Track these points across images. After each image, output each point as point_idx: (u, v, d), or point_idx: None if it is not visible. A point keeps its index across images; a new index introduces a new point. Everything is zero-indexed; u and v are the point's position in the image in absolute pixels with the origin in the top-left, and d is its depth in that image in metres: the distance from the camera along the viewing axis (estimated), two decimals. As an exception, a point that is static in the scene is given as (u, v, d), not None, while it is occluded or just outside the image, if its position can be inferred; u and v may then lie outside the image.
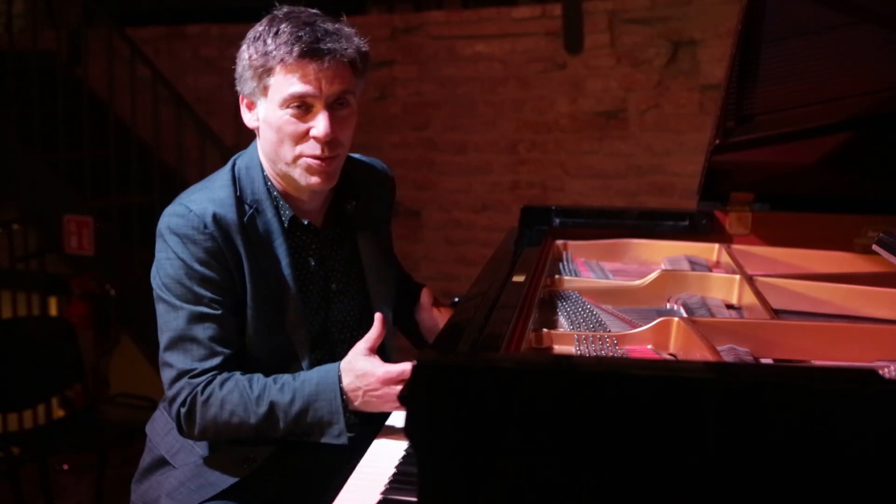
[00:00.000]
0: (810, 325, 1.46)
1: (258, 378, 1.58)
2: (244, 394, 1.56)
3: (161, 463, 1.70)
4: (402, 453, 1.54)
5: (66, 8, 5.61)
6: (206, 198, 1.61)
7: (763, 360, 1.39)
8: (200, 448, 1.66)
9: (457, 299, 1.87)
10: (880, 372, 1.12)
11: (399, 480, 1.44)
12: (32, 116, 4.72)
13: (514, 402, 1.00)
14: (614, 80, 4.39)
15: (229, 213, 1.60)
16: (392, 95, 4.89)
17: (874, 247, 1.88)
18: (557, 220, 2.21)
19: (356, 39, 1.60)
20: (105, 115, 4.69)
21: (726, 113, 1.89)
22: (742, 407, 0.97)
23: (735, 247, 2.02)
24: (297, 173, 1.60)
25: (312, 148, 1.57)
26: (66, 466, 4.02)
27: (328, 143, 1.57)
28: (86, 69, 4.85)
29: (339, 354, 1.70)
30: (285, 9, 1.60)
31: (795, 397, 0.97)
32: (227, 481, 1.62)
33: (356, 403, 1.55)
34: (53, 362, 3.50)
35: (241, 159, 1.69)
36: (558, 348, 1.44)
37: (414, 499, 1.04)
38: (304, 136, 1.57)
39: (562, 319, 1.57)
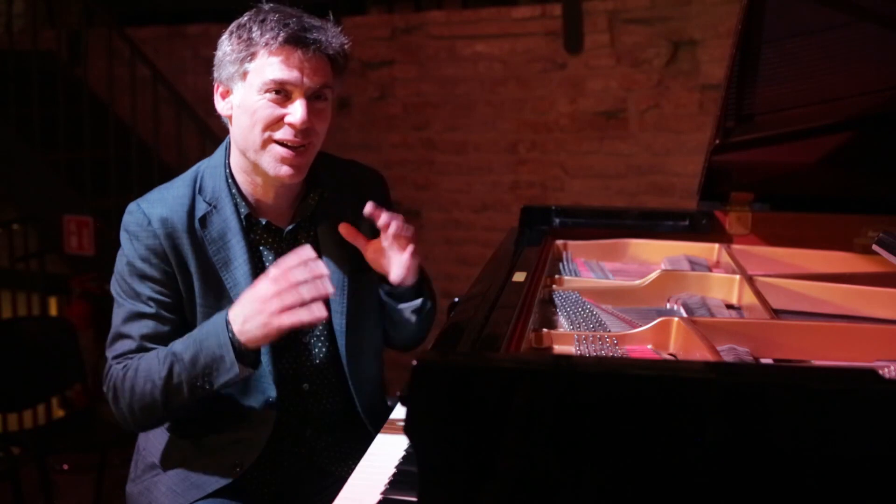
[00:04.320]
0: (810, 325, 1.46)
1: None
2: (156, 357, 1.55)
3: (150, 468, 1.71)
4: (402, 453, 1.54)
5: (66, 8, 5.61)
6: (159, 197, 1.63)
7: (763, 360, 1.39)
8: (187, 452, 1.66)
9: (457, 299, 1.86)
10: (880, 372, 1.12)
11: (399, 480, 1.44)
12: (32, 116, 4.72)
13: (514, 402, 1.00)
14: (614, 80, 4.39)
15: (179, 212, 1.60)
16: (392, 95, 4.89)
17: (874, 247, 1.88)
18: (557, 220, 2.21)
19: (341, 37, 1.61)
20: (105, 115, 4.69)
21: (726, 113, 1.90)
22: (742, 407, 0.97)
23: (735, 247, 2.02)
24: (267, 161, 1.58)
25: (285, 133, 1.55)
26: (66, 466, 4.01)
27: (302, 130, 1.55)
28: (86, 69, 4.85)
29: (305, 359, 1.69)
30: (271, 4, 1.61)
31: (795, 397, 0.97)
32: (216, 484, 1.62)
33: (245, 327, 1.48)
34: (53, 362, 3.49)
35: (208, 160, 1.70)
36: (558, 348, 1.44)
37: (414, 499, 1.04)
38: (278, 122, 1.56)
39: (562, 319, 1.57)
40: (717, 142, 1.92)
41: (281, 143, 1.56)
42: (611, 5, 4.34)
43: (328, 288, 1.45)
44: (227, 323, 1.50)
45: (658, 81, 4.29)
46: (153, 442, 1.72)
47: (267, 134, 1.56)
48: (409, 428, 1.04)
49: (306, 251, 1.47)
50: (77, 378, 3.66)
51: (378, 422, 1.73)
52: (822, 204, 2.09)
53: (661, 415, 0.98)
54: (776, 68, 1.83)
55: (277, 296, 1.45)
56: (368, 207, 1.57)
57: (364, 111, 4.94)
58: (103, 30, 4.81)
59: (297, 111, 1.54)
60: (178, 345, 1.55)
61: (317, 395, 1.72)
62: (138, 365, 1.57)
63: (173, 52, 5.28)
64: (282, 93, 1.55)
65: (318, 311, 1.45)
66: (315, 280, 1.45)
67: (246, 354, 1.51)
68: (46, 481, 3.37)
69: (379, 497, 1.40)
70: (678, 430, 0.97)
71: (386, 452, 1.56)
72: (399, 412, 1.77)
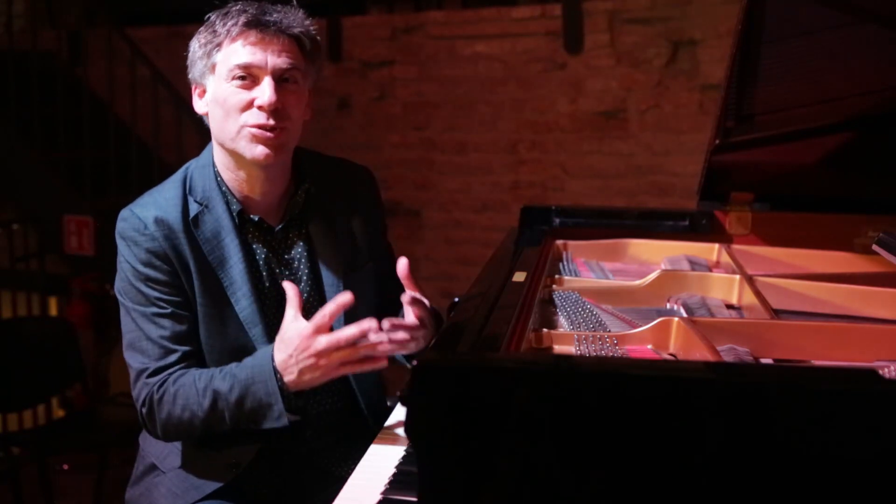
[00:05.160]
0: (810, 325, 1.46)
1: (207, 370, 1.58)
2: (194, 386, 1.55)
3: (151, 469, 1.71)
4: (402, 453, 1.54)
5: (66, 8, 5.62)
6: (151, 201, 1.63)
7: (763, 360, 1.39)
8: (186, 453, 1.66)
9: (457, 299, 1.86)
10: (880, 372, 1.12)
11: (399, 480, 1.44)
12: (32, 116, 4.72)
13: (514, 402, 1.00)
14: (614, 80, 4.39)
15: (173, 213, 1.60)
16: (392, 95, 4.89)
17: (874, 247, 1.88)
18: (557, 220, 2.20)
19: (305, 22, 1.62)
20: (105, 115, 4.69)
21: (726, 113, 1.89)
22: (742, 407, 0.97)
23: (735, 247, 2.02)
24: (243, 146, 1.57)
25: (256, 117, 1.55)
26: (66, 466, 4.01)
27: (273, 112, 1.55)
28: (86, 69, 4.85)
29: None
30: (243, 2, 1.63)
31: (795, 397, 0.97)
32: (215, 484, 1.62)
33: (294, 378, 1.50)
34: (53, 362, 3.49)
35: (196, 161, 1.70)
36: (558, 348, 1.44)
37: (414, 499, 1.04)
38: (248, 106, 1.56)
39: (562, 319, 1.57)
40: (717, 142, 1.91)
41: (253, 126, 1.56)
42: (611, 5, 4.35)
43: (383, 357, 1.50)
44: (275, 371, 1.51)
45: (658, 81, 4.29)
46: (152, 443, 1.71)
47: (240, 120, 1.57)
48: (409, 428, 1.04)
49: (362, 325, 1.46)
50: (77, 378, 3.66)
51: (379, 419, 1.74)
52: (822, 204, 2.09)
53: (661, 415, 0.97)
54: (776, 68, 1.83)
55: (331, 353, 1.47)
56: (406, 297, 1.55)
57: (364, 111, 4.94)
58: (103, 30, 4.81)
59: (264, 92, 1.55)
60: (220, 382, 1.55)
61: (316, 395, 1.72)
62: (175, 391, 1.56)
63: (173, 52, 5.25)
64: (248, 77, 1.56)
65: (380, 361, 1.50)
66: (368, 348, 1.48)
67: (293, 400, 1.53)
68: (46, 481, 3.37)
69: (379, 497, 1.40)
70: (678, 430, 0.97)
71: (386, 452, 1.56)
72: (399, 412, 1.76)
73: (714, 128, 1.90)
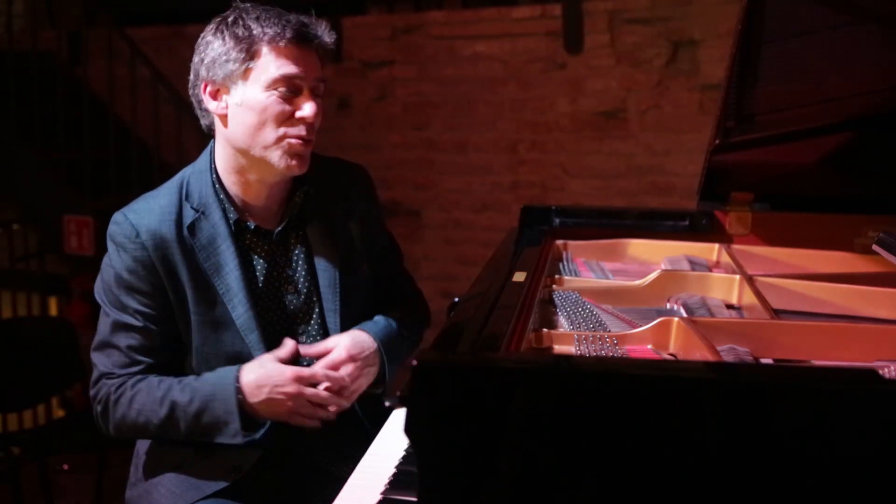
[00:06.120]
0: (810, 325, 1.46)
1: (166, 379, 1.61)
2: (151, 393, 1.59)
3: (149, 471, 1.70)
4: (402, 453, 1.54)
5: (66, 8, 5.61)
6: (146, 207, 1.63)
7: (763, 360, 1.39)
8: (186, 454, 1.66)
9: (457, 299, 1.86)
10: (880, 372, 1.12)
11: (399, 480, 1.44)
12: (32, 116, 4.72)
13: (514, 402, 1.00)
14: (614, 80, 4.39)
15: (166, 221, 1.60)
16: (392, 95, 4.89)
17: (874, 247, 1.88)
18: (557, 220, 2.20)
19: (331, 33, 1.65)
20: (105, 115, 4.69)
21: (726, 113, 1.89)
22: (742, 407, 0.97)
23: (735, 247, 2.02)
24: (277, 156, 1.58)
25: (298, 129, 1.58)
26: (66, 466, 4.01)
27: (310, 124, 1.59)
28: (86, 69, 4.85)
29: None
30: (252, 3, 1.63)
31: (795, 397, 0.97)
32: (215, 486, 1.63)
33: (258, 400, 1.56)
34: (53, 362, 3.49)
35: (192, 166, 1.70)
36: (558, 348, 1.44)
37: (414, 499, 1.04)
38: (289, 118, 1.58)
39: (562, 319, 1.57)
40: (717, 142, 1.91)
41: (294, 138, 1.58)
42: (611, 5, 4.34)
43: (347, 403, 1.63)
44: (238, 390, 1.56)
45: (658, 81, 4.29)
46: (152, 445, 1.72)
47: (281, 130, 1.58)
48: (409, 428, 1.04)
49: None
50: (77, 378, 3.66)
51: (377, 420, 1.73)
52: (822, 204, 2.09)
53: (661, 415, 0.98)
54: (776, 68, 1.83)
55: (302, 400, 1.58)
56: None
57: (364, 111, 4.94)
58: (103, 30, 4.81)
59: (309, 107, 1.57)
60: (179, 393, 1.58)
61: (315, 395, 1.72)
62: (132, 396, 1.59)
63: (173, 52, 5.28)
64: (291, 89, 1.57)
65: (332, 413, 1.62)
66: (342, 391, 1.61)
67: (248, 422, 1.58)
68: (46, 481, 3.37)
69: (379, 497, 1.40)
70: (678, 430, 0.97)
71: (386, 452, 1.56)
72: (399, 412, 1.76)
73: (714, 128, 1.90)
